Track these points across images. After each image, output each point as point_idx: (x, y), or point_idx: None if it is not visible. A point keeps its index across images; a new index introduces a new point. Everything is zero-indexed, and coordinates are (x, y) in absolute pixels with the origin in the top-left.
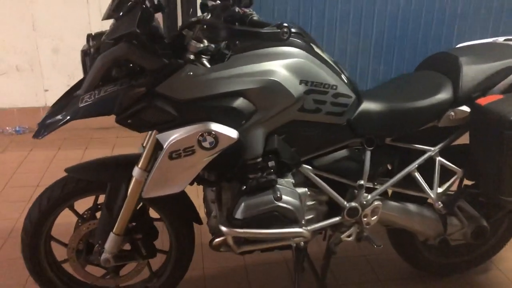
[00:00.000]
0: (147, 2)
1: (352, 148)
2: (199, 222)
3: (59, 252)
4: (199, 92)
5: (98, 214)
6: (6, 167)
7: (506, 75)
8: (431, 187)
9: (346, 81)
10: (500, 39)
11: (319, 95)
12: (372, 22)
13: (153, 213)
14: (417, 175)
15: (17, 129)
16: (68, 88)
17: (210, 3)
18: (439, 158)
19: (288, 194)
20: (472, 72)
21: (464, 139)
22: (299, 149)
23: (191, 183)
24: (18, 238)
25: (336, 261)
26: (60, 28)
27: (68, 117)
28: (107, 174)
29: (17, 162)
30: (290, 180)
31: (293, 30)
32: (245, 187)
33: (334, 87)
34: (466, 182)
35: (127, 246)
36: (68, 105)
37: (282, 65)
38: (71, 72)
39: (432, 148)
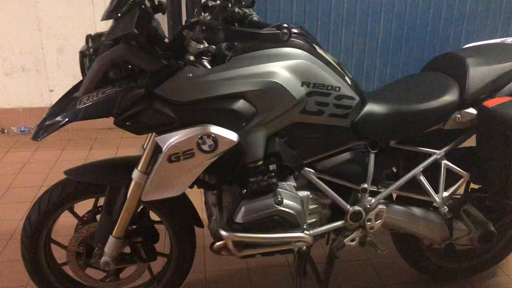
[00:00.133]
0: (146, 2)
1: (355, 151)
2: (200, 225)
3: (59, 255)
4: (199, 94)
5: (98, 217)
6: (11, 167)
7: None
8: (436, 191)
9: (349, 83)
10: (509, 40)
11: (322, 97)
12: (379, 22)
13: (154, 216)
14: (422, 178)
15: (22, 129)
16: None
17: (210, 3)
18: (444, 162)
19: (290, 198)
20: (479, 73)
21: (471, 142)
22: (301, 151)
23: (191, 186)
24: None
25: (339, 264)
26: (65, 29)
27: (67, 119)
28: (106, 177)
29: (22, 162)
30: (292, 183)
31: (294, 30)
32: (245, 190)
33: (337, 88)
34: (473, 185)
35: (128, 249)
36: (67, 106)
37: (283, 67)
38: (76, 72)
39: (438, 151)
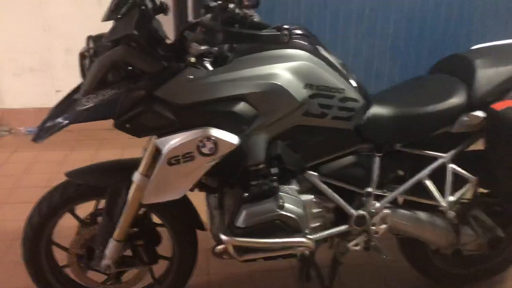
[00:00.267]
0: (147, 3)
1: (360, 154)
2: (202, 228)
3: (61, 257)
4: (199, 96)
5: (99, 219)
6: (17, 167)
7: None
8: (443, 195)
9: (354, 85)
10: None
11: (325, 99)
12: (388, 22)
13: (156, 219)
14: (429, 182)
15: (29, 129)
16: None
17: (211, 4)
18: (451, 165)
19: (291, 202)
20: (487, 75)
21: (479, 145)
22: (304, 155)
23: (192, 189)
24: None
25: (344, 269)
26: (72, 29)
27: (67, 121)
28: (107, 179)
29: (28, 162)
30: (294, 187)
31: (297, 31)
32: (246, 194)
33: (341, 90)
34: (481, 190)
35: (129, 252)
36: (67, 108)
37: (285, 68)
38: None
39: (445, 155)
